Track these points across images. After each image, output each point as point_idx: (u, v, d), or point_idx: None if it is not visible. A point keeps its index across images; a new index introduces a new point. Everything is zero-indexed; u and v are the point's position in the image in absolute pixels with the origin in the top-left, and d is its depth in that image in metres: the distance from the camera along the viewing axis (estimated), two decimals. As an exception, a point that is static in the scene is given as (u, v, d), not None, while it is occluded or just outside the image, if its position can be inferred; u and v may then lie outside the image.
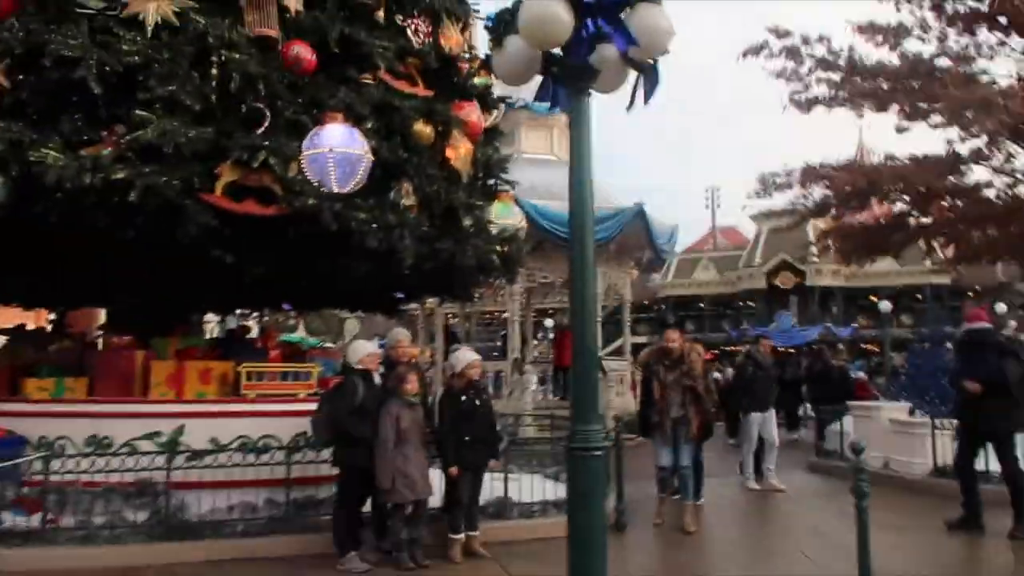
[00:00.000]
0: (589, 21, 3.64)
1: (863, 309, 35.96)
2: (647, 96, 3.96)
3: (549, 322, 27.55)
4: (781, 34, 12.24)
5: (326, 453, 5.62)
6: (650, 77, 3.89)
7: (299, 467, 5.90)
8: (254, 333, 9.80)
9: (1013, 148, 11.69)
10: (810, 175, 12.01)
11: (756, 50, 12.48)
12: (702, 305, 42.77)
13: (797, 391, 14.49)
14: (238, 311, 10.50)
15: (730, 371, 18.67)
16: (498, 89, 7.38)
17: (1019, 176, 11.62)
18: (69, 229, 4.98)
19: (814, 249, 16.08)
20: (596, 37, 3.73)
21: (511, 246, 7.01)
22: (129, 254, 5.58)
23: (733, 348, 34.52)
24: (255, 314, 14.79)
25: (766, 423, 8.94)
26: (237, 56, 4.84)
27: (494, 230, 6.89)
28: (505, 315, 17.58)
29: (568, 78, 3.83)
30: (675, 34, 3.71)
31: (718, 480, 9.02)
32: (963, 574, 5.66)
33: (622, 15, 3.68)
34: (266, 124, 4.97)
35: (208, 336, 9.31)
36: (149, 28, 4.68)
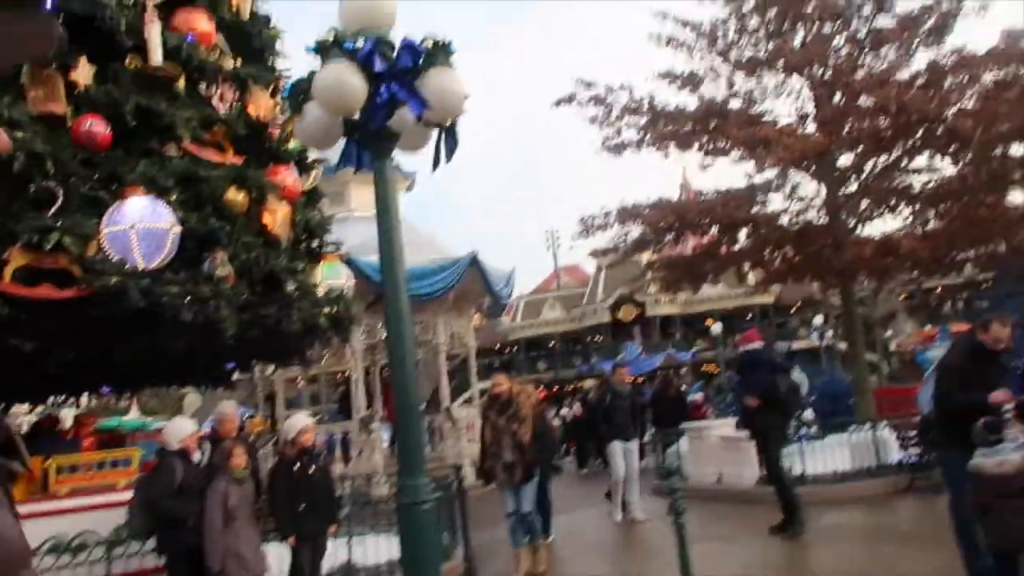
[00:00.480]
0: (383, 87, 3.76)
1: (701, 333, 38.15)
2: (449, 155, 4.13)
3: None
4: (587, 84, 13.01)
5: (153, 542, 5.31)
6: (450, 137, 4.07)
7: (122, 561, 5.51)
8: (69, 423, 9.10)
9: (799, 177, 12.96)
10: (626, 215, 12.74)
11: (568, 99, 13.19)
12: (552, 344, 44.00)
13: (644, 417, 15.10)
14: (50, 400, 9.72)
15: (577, 406, 19.34)
16: (317, 151, 7.40)
17: (805, 203, 12.87)
18: None
19: (648, 281, 17.01)
20: (393, 102, 3.85)
21: (340, 306, 6.96)
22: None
23: (580, 384, 35.68)
24: (71, 401, 13.73)
25: (629, 453, 8.95)
26: (20, 135, 4.60)
27: (321, 292, 6.83)
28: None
29: (369, 142, 3.93)
30: (468, 96, 3.91)
31: (577, 514, 9.23)
32: (781, 573, 6.10)
33: (416, 81, 3.83)
34: (58, 203, 4.73)
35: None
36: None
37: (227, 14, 6.34)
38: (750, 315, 38.41)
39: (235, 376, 9.85)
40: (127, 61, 5.24)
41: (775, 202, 13.52)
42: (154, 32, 5.31)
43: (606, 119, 13.16)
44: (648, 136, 13.04)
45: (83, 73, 5.03)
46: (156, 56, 5.29)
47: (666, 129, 12.97)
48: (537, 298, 44.87)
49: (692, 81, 13.51)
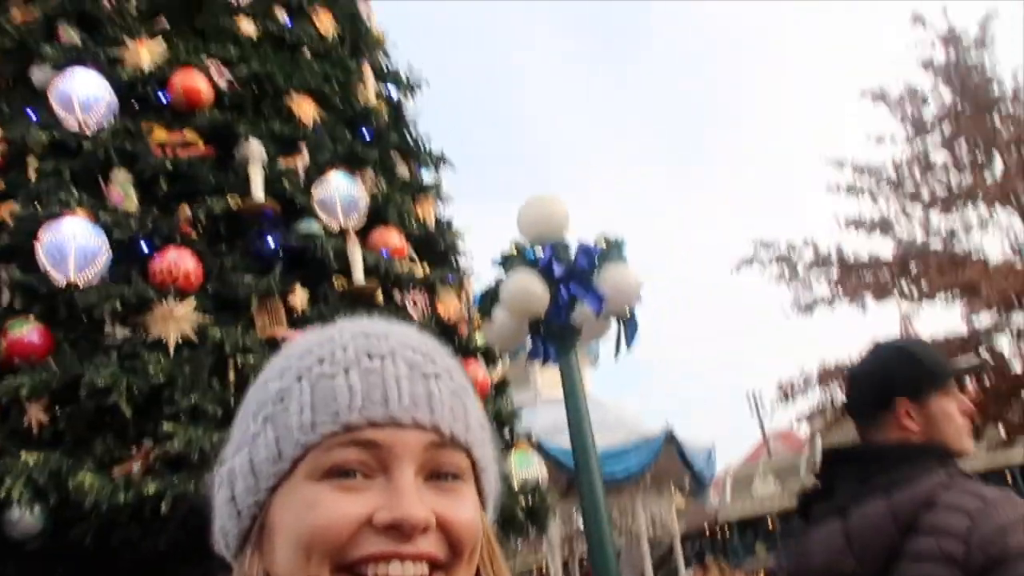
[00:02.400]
0: (563, 289, 3.98)
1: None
2: (629, 342, 4.22)
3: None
4: (766, 245, 12.91)
5: None
6: (630, 325, 4.18)
7: None
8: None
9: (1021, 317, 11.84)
10: (828, 375, 12.09)
11: (748, 261, 13.11)
12: (770, 523, 39.84)
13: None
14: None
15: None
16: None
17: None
18: (100, 547, 5.08)
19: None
20: (573, 300, 4.04)
21: (536, 497, 6.98)
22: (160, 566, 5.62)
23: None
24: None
25: None
26: (252, 359, 5.21)
27: (515, 483, 6.91)
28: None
29: (553, 339, 4.11)
30: (643, 285, 4.04)
31: None
32: None
33: (593, 278, 4.02)
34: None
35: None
36: (171, 348, 5.09)
37: (414, 226, 7.01)
38: (1008, 475, 33.69)
39: None
40: (334, 281, 5.88)
41: (1003, 345, 12.36)
42: (356, 253, 5.96)
43: (793, 277, 12.89)
44: (841, 290, 12.56)
45: (299, 298, 5.68)
46: (358, 275, 5.90)
47: (860, 280, 12.44)
48: (747, 471, 41.29)
49: (882, 226, 13.03)
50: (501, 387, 7.79)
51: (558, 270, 3.82)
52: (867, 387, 2.47)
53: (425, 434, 0.90)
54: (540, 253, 3.93)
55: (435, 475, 0.90)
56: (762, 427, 46.52)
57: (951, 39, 12.87)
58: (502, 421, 7.27)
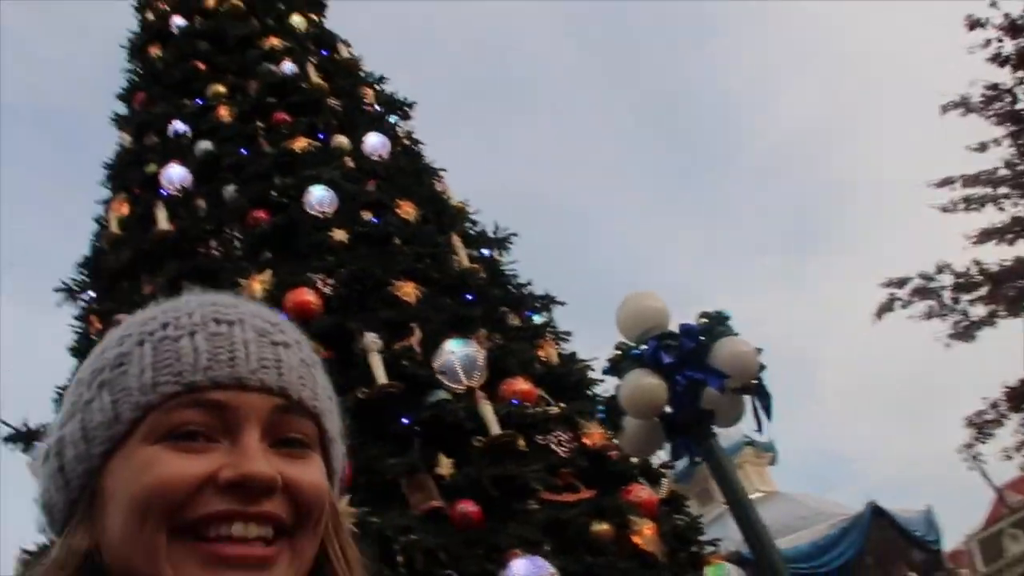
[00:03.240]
0: (679, 376, 3.90)
1: None
2: (767, 412, 4.04)
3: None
4: (899, 282, 12.20)
5: None
6: (761, 395, 4.01)
7: None
8: None
9: None
10: (1017, 397, 10.93)
11: (887, 307, 12.39)
12: None
13: None
14: None
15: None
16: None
17: None
18: None
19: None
20: (692, 385, 3.95)
21: (742, 608, 6.49)
22: None
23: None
24: None
25: None
26: (414, 537, 5.26)
27: (715, 599, 6.48)
28: None
29: (690, 432, 3.99)
30: (760, 353, 3.90)
31: None
32: None
33: (706, 357, 3.93)
34: (455, 587, 5.20)
35: None
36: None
37: (539, 368, 7.09)
38: None
39: None
40: (473, 441, 5.96)
41: None
42: (487, 409, 6.05)
43: (941, 307, 12.04)
44: (999, 307, 11.60)
45: (445, 466, 5.77)
46: (494, 428, 5.97)
47: (1015, 288, 11.50)
48: (991, 532, 36.77)
49: (1019, 228, 12.16)
50: (672, 503, 7.48)
51: (667, 359, 3.76)
52: None
53: (272, 398, 0.87)
54: (645, 348, 3.89)
55: (282, 442, 0.87)
56: (987, 479, 42.00)
57: (1013, 27, 12.46)
58: (683, 536, 6.93)
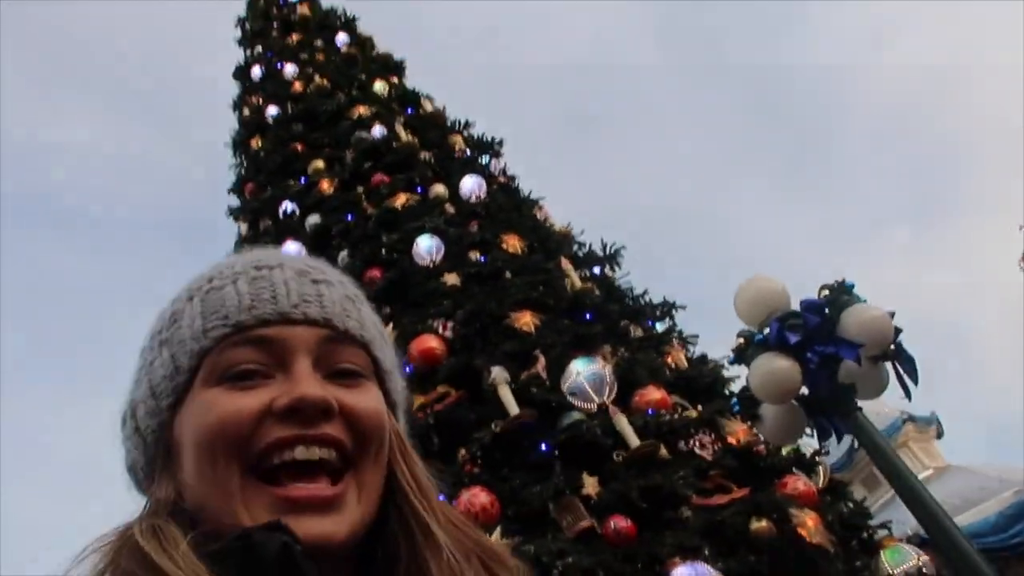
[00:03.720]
0: (809, 354, 3.78)
1: None
2: (913, 377, 3.85)
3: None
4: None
5: None
6: (903, 360, 3.83)
7: None
8: None
9: None
10: None
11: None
12: None
13: None
14: None
15: None
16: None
17: None
18: None
19: None
20: (826, 360, 3.82)
21: (928, 590, 6.10)
22: None
23: None
24: None
25: None
26: (570, 559, 5.27)
27: (899, 582, 6.12)
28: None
29: (831, 410, 3.85)
30: (893, 315, 3.74)
31: None
32: None
33: (835, 330, 3.80)
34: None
35: None
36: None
37: (669, 376, 7.00)
38: None
39: None
40: (614, 456, 5.93)
41: None
42: (623, 423, 6.03)
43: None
44: None
45: (590, 485, 5.77)
46: (633, 440, 5.92)
47: None
48: None
49: None
50: (834, 491, 7.16)
51: (793, 338, 3.64)
52: None
53: (318, 329, 0.89)
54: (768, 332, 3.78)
55: (336, 373, 0.89)
56: None
57: None
58: (850, 524, 6.61)
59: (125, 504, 0.89)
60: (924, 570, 6.41)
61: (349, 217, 8.88)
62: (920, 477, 14.41)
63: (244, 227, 9.86)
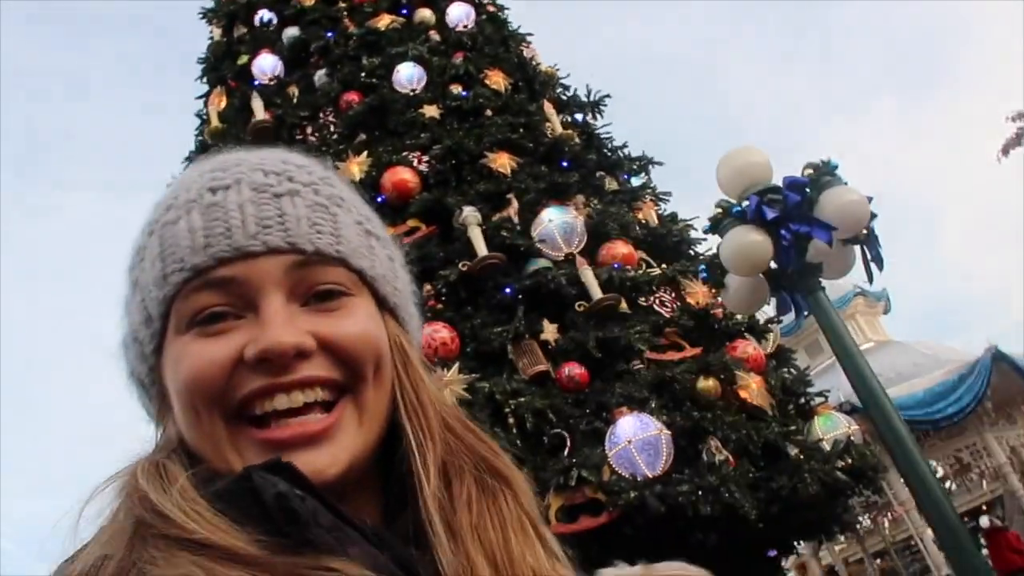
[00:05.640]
0: (783, 231, 3.80)
1: None
2: (879, 264, 3.92)
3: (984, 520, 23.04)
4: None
5: None
6: (872, 246, 3.88)
7: None
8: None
9: None
10: None
11: (1015, 143, 11.55)
12: None
13: None
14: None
15: None
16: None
17: None
18: None
19: None
20: (799, 239, 3.85)
21: (853, 456, 6.54)
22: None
23: None
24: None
25: None
26: (523, 399, 5.50)
27: (828, 447, 6.54)
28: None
29: (796, 286, 3.92)
30: (870, 201, 3.75)
31: None
32: None
33: (813, 210, 3.81)
34: (568, 445, 5.44)
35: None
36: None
37: (639, 231, 7.05)
38: None
39: (787, 562, 9.58)
40: (576, 306, 6.06)
41: None
42: (588, 275, 6.12)
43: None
44: None
45: (549, 331, 5.93)
46: (596, 292, 6.04)
47: None
48: None
49: None
50: (779, 357, 7.48)
51: (771, 214, 3.65)
52: None
53: (283, 257, 0.81)
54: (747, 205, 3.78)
55: (315, 298, 0.82)
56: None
57: None
58: (791, 390, 6.96)
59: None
60: (852, 438, 6.85)
61: (329, 34, 8.45)
62: (862, 348, 15.10)
63: (218, 32, 9.35)
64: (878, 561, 17.23)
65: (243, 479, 0.72)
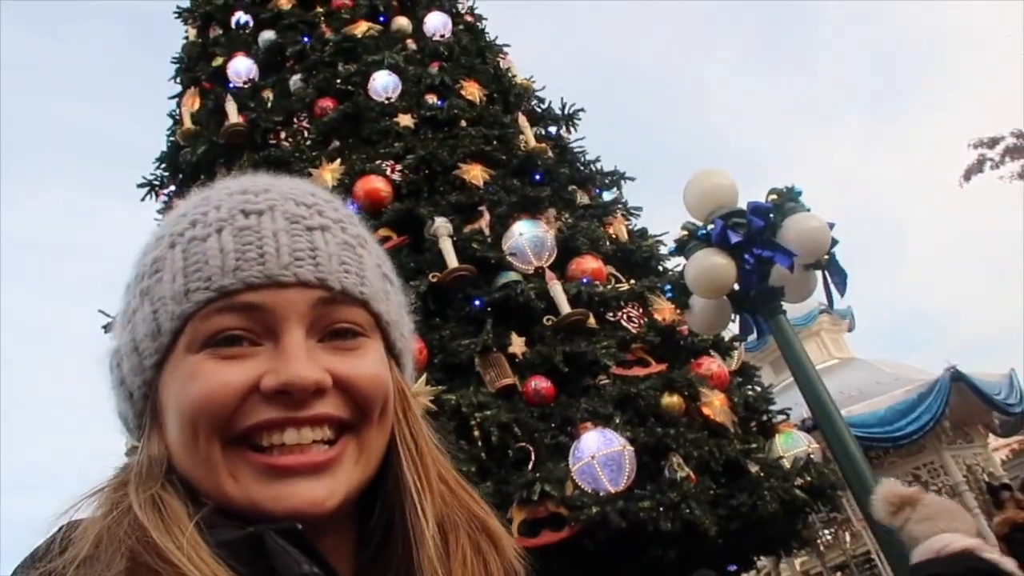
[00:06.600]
0: (747, 256, 3.87)
1: None
2: (841, 289, 4.00)
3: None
4: (990, 142, 11.59)
5: None
6: (834, 272, 3.97)
7: None
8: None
9: None
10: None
11: (976, 169, 11.84)
12: None
13: None
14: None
15: None
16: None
17: None
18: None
19: None
20: (762, 263, 3.92)
21: (811, 474, 6.64)
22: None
23: None
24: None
25: None
26: (489, 412, 5.53)
27: (788, 464, 6.64)
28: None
29: (757, 309, 3.99)
30: (832, 228, 3.83)
31: None
32: None
33: (776, 235, 3.88)
34: (532, 458, 5.48)
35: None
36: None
37: (608, 247, 7.12)
38: None
39: None
40: (544, 320, 6.10)
41: None
42: (556, 289, 6.16)
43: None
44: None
45: (517, 345, 5.96)
46: (564, 307, 6.09)
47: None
48: None
49: None
50: (743, 374, 7.58)
51: (734, 238, 3.72)
52: None
53: (311, 291, 0.80)
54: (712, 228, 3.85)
55: (332, 335, 0.82)
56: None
57: None
58: (753, 407, 7.05)
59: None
60: (812, 456, 6.96)
61: (306, 39, 8.43)
62: (825, 366, 15.35)
63: (193, 32, 9.28)
64: (838, 574, 17.44)
65: (254, 537, 0.72)
